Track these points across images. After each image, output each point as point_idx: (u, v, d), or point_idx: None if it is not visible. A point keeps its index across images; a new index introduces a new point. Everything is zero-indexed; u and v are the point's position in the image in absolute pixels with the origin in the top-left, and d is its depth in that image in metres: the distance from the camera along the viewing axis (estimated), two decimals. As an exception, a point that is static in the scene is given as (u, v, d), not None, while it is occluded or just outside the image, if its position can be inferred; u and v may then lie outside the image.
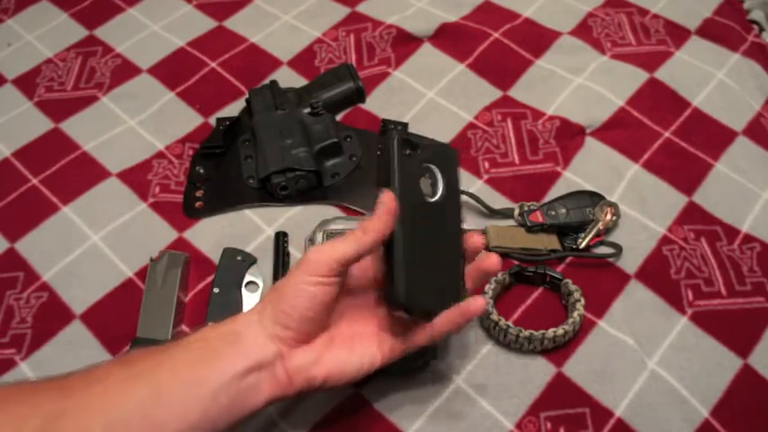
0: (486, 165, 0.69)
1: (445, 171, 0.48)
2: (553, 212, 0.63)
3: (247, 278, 0.61)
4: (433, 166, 0.47)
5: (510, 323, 0.55)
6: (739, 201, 0.66)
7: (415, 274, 0.45)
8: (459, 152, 0.49)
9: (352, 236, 0.44)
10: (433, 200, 0.47)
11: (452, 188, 0.48)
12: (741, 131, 0.71)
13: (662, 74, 0.76)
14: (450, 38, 0.80)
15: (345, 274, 0.45)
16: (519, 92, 0.75)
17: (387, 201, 0.44)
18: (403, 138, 0.46)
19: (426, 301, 0.46)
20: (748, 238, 0.63)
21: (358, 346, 0.46)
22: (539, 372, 0.55)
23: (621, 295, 0.59)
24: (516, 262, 0.61)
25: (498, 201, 0.66)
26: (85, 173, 0.71)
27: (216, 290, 0.60)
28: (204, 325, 0.45)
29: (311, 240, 0.60)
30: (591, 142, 0.70)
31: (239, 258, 0.62)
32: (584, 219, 0.62)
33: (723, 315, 0.58)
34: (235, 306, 0.59)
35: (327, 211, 0.66)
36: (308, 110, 0.71)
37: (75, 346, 0.59)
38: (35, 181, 0.71)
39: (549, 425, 0.53)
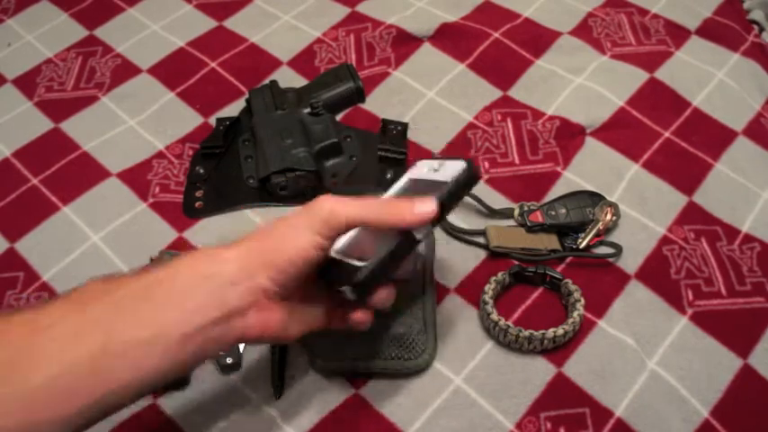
0: (486, 165, 0.69)
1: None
2: (553, 212, 0.63)
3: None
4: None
5: (510, 323, 0.55)
6: (739, 201, 0.66)
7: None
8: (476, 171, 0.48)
9: (375, 206, 0.43)
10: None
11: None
12: (741, 131, 0.71)
13: (662, 74, 0.76)
14: (451, 38, 0.80)
15: None
16: (519, 92, 0.75)
17: (429, 210, 0.43)
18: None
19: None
20: (748, 238, 0.63)
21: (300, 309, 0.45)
22: (539, 372, 0.55)
23: (621, 295, 0.59)
24: (516, 262, 0.61)
25: (498, 201, 0.66)
26: (85, 173, 0.71)
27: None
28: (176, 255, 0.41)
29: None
30: (591, 142, 0.70)
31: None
32: (584, 219, 0.62)
33: (723, 315, 0.58)
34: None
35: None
36: (308, 110, 0.71)
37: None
38: (35, 181, 0.71)
39: (549, 425, 0.53)
